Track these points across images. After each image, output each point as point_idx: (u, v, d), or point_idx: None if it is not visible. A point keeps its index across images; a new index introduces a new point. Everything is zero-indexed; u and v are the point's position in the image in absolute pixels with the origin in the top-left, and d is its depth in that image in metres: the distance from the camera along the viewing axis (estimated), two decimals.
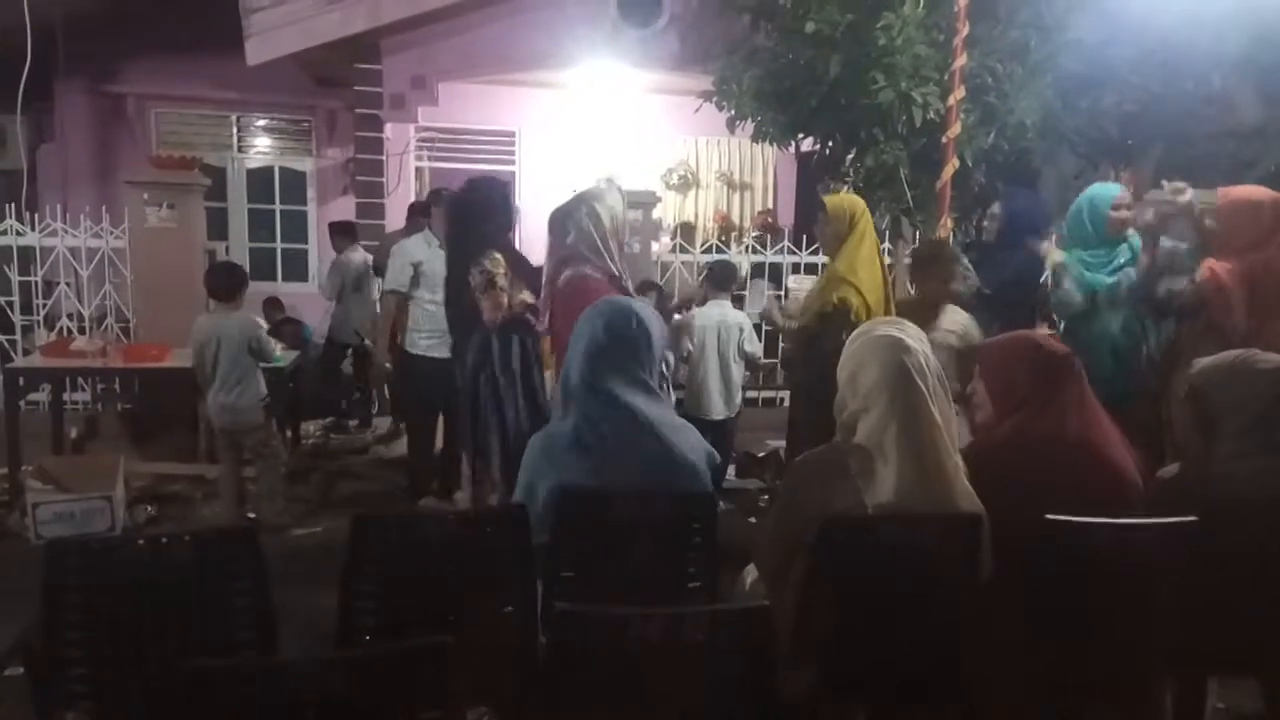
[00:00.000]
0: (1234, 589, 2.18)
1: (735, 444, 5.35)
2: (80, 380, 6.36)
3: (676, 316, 5.32)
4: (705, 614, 1.79)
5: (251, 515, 4.58)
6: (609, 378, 2.27)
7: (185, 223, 5.75)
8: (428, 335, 4.77)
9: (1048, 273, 3.99)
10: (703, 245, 7.95)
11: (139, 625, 1.96)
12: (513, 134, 9.75)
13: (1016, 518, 2.01)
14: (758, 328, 5.41)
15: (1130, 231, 3.84)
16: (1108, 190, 3.97)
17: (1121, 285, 3.76)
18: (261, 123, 9.57)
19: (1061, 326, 4.05)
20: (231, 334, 4.37)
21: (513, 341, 3.81)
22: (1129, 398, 3.47)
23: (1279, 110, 6.33)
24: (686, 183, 9.96)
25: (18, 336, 6.77)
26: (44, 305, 6.78)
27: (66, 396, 5.87)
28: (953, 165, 4.80)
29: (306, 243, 9.66)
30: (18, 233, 6.62)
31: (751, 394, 6.97)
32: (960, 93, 4.77)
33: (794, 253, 7.69)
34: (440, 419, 4.98)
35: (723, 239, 8.44)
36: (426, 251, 4.81)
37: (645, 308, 2.43)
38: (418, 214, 6.07)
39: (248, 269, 5.06)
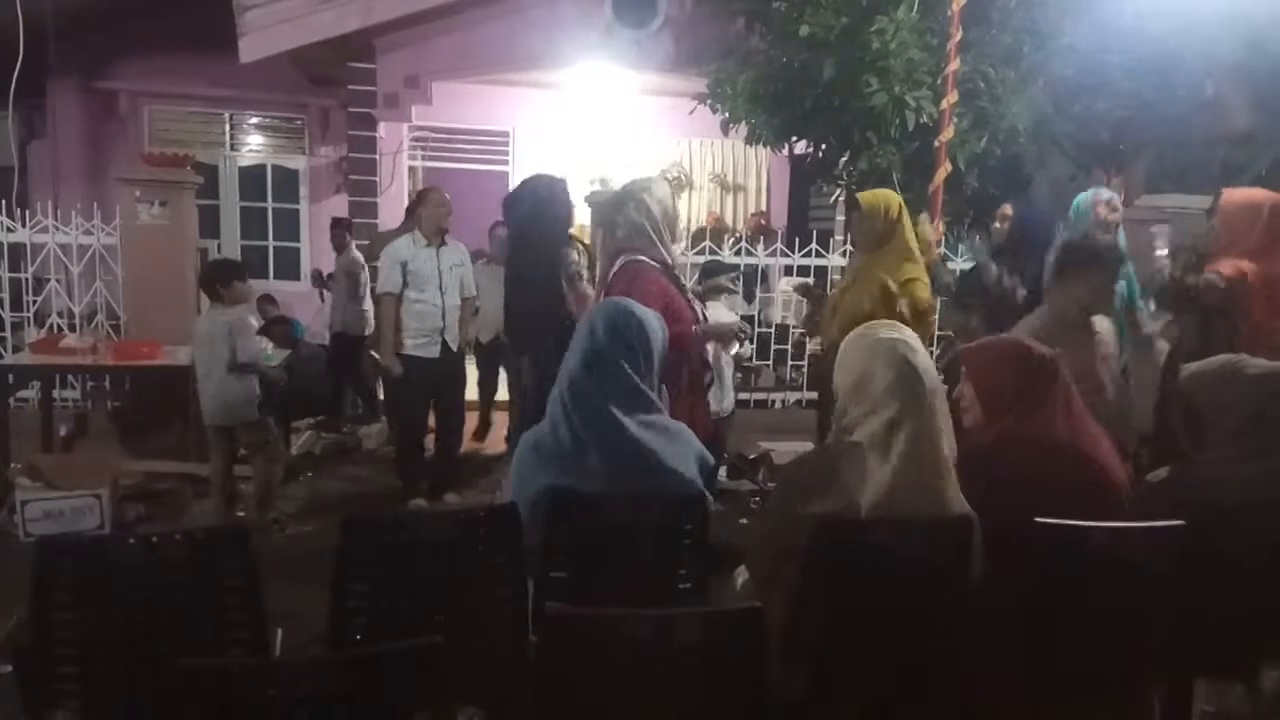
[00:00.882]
0: (1222, 593, 2.20)
1: (728, 445, 5.35)
2: (70, 378, 6.31)
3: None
4: (697, 615, 1.79)
5: (241, 514, 4.56)
6: (602, 382, 2.26)
7: (177, 220, 5.72)
8: (415, 335, 4.76)
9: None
10: (696, 248, 7.96)
11: (128, 624, 1.95)
12: (507, 134, 9.74)
13: (1006, 520, 2.02)
14: (754, 325, 5.40)
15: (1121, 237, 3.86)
16: (1095, 190, 4.03)
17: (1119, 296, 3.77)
18: (254, 120, 9.55)
19: None
20: (219, 331, 4.37)
21: None
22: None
23: (1270, 116, 6.37)
24: (680, 184, 9.97)
25: (7, 333, 6.73)
26: (34, 302, 6.74)
27: (56, 394, 5.85)
28: (945, 169, 4.82)
29: (299, 241, 9.64)
30: (8, 229, 6.58)
31: (743, 395, 6.97)
32: (953, 97, 4.79)
33: (786, 255, 7.70)
34: (430, 419, 4.97)
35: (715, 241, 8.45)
36: (413, 251, 4.79)
37: (646, 310, 2.41)
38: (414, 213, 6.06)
39: None
